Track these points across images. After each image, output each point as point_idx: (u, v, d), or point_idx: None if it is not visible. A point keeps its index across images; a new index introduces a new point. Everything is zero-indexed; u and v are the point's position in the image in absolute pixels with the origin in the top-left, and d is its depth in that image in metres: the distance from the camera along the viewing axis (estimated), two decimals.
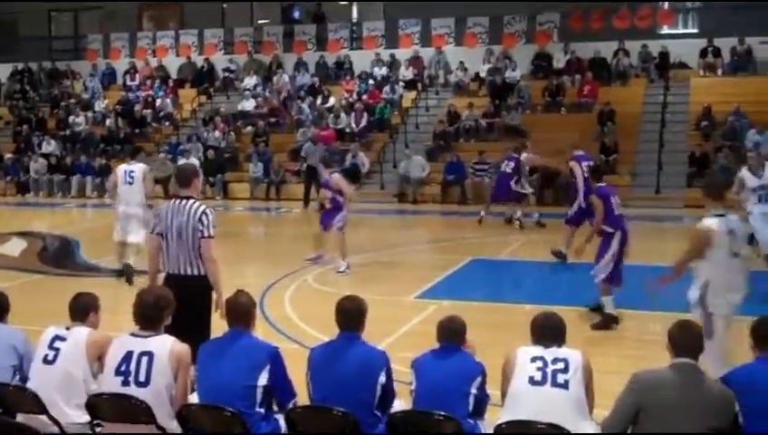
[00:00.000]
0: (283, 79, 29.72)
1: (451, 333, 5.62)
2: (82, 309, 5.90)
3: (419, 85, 28.78)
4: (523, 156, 18.41)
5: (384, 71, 29.29)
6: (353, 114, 26.91)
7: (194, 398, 5.54)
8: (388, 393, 5.49)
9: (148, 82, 31.34)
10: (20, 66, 33.86)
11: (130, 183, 12.91)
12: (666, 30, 28.82)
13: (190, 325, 6.56)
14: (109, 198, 13.88)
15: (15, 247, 16.18)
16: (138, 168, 13.03)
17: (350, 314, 5.60)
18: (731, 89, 25.30)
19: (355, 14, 33.72)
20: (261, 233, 21.21)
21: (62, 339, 5.68)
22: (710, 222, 6.94)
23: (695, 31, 28.91)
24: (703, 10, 29.15)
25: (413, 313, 10.55)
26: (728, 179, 10.44)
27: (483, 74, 28.06)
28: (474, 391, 5.40)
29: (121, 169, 13.21)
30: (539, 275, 13.82)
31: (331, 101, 28.11)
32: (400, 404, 5.60)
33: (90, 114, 30.29)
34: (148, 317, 5.48)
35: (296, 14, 33.44)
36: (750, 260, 6.86)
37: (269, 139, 26.85)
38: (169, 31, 33.75)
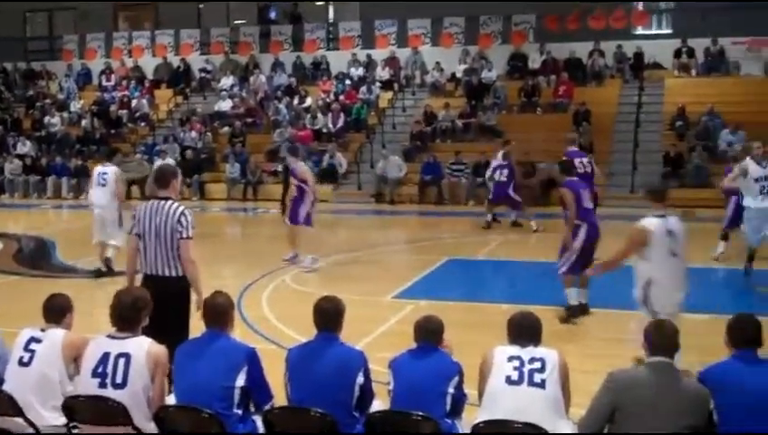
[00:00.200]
0: (259, 79, 29.68)
1: (428, 332, 5.64)
2: (58, 310, 5.86)
3: (396, 85, 28.83)
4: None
5: (361, 71, 29.32)
6: (330, 115, 26.90)
7: (171, 399, 5.53)
8: (367, 394, 5.50)
9: (124, 83, 31.19)
10: None
11: (103, 185, 13.08)
12: (640, 31, 29.04)
13: (168, 326, 6.55)
14: (88, 199, 13.95)
15: None
16: (110, 170, 13.19)
17: (328, 315, 5.61)
18: (705, 89, 25.53)
19: (331, 15, 33.72)
20: (238, 233, 21.17)
21: (38, 341, 5.63)
22: (648, 222, 7.13)
23: (669, 32, 29.16)
24: (677, 11, 29.41)
25: (390, 313, 10.56)
26: (668, 185, 10.23)
27: (459, 75, 28.14)
28: (451, 390, 5.41)
29: (96, 170, 13.38)
30: (516, 274, 13.88)
31: (308, 101, 28.10)
32: (378, 404, 5.60)
33: (65, 115, 30.14)
34: (125, 318, 5.46)
35: (272, 15, 33.39)
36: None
37: (246, 139, 26.81)
38: (145, 31, 33.65)
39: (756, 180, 12.03)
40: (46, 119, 29.67)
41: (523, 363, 5.23)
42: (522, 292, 12.08)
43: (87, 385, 5.32)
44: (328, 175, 24.54)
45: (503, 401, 5.15)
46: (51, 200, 25.98)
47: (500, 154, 18.47)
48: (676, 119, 24.40)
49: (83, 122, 29.52)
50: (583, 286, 10.31)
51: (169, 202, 7.00)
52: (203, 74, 31.18)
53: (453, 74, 28.41)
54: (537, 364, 5.22)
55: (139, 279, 7.04)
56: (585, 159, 13.25)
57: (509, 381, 5.20)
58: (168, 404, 5.40)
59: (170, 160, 24.74)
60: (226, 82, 30.03)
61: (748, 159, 12.31)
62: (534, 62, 28.00)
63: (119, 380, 5.24)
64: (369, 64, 29.54)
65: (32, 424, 5.38)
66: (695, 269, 13.39)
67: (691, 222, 17.33)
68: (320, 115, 26.97)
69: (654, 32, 29.48)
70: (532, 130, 24.27)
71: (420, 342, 5.63)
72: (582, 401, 5.22)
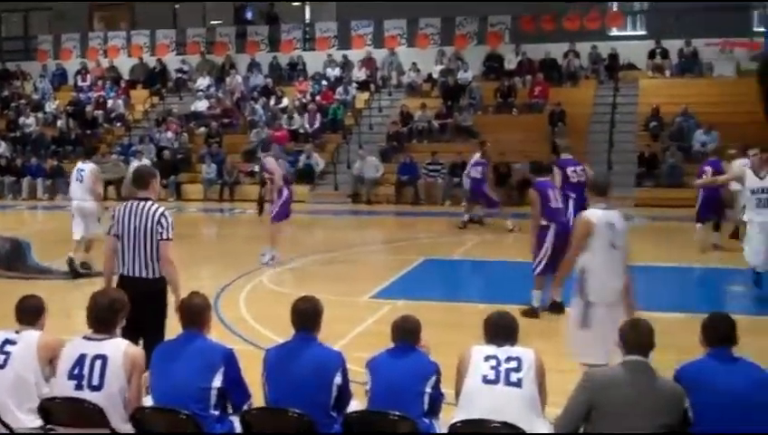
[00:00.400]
0: (235, 80, 29.61)
1: (405, 332, 5.65)
2: (32, 312, 5.80)
3: (372, 86, 28.86)
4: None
5: (337, 71, 29.33)
6: (307, 115, 26.89)
7: (148, 401, 5.52)
8: (344, 394, 5.50)
9: (100, 83, 31.04)
10: None
11: (80, 181, 13.57)
12: (615, 32, 29.24)
13: (145, 328, 6.55)
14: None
15: None
16: (88, 167, 13.68)
17: (306, 315, 5.61)
18: (678, 90, 25.76)
19: (308, 15, 33.69)
20: (215, 234, 21.09)
21: (13, 343, 5.58)
22: (590, 213, 7.25)
23: (643, 33, 29.40)
24: (651, 12, 29.66)
25: (367, 313, 10.57)
26: (609, 180, 9.97)
27: (435, 75, 28.22)
28: (428, 390, 5.43)
29: (75, 167, 13.96)
30: (492, 274, 13.94)
31: (285, 101, 28.08)
32: (356, 404, 5.60)
33: (40, 115, 29.92)
34: (101, 320, 5.44)
35: (249, 15, 33.32)
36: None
37: (222, 139, 26.75)
38: (121, 31, 33.50)
39: (753, 192, 10.85)
40: (21, 119, 29.45)
41: (499, 363, 5.25)
42: (498, 292, 12.11)
43: (63, 387, 5.29)
44: (305, 175, 24.53)
45: (479, 401, 5.18)
46: (26, 201, 25.79)
47: (477, 154, 18.53)
48: (651, 119, 24.60)
49: (59, 123, 29.37)
50: (558, 285, 10.39)
51: (149, 203, 6.99)
52: (179, 75, 31.08)
53: (429, 75, 28.48)
54: (513, 363, 5.25)
55: (115, 280, 7.01)
56: (579, 168, 12.76)
57: (486, 380, 5.22)
58: (144, 406, 5.39)
59: (146, 161, 24.58)
60: (203, 82, 29.94)
61: (741, 163, 11.64)
62: (510, 62, 28.12)
63: (95, 381, 5.22)
64: (346, 65, 29.56)
65: (7, 427, 5.34)
66: (671, 268, 13.69)
67: (667, 222, 17.69)
68: (296, 116, 26.96)
69: (628, 33, 29.71)
70: (507, 130, 24.38)
71: (397, 341, 5.64)
72: (559, 399, 5.25)
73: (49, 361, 5.56)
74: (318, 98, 27.90)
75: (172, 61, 31.58)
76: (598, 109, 26.13)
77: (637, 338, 5.06)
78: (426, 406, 5.40)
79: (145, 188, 7.16)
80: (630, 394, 4.86)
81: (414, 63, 28.60)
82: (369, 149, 25.07)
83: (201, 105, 28.72)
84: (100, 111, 29.35)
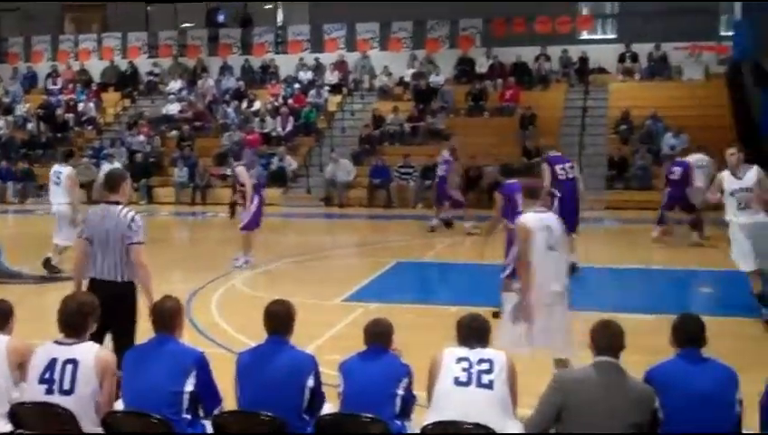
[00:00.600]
0: (207, 83, 29.52)
1: (377, 335, 5.67)
2: (1, 316, 5.78)
3: (345, 89, 28.88)
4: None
5: (309, 75, 29.32)
6: (279, 118, 26.85)
7: (119, 405, 5.50)
8: (317, 397, 5.50)
9: (71, 86, 30.82)
10: None
11: (57, 183, 13.63)
12: (585, 36, 29.46)
13: (115, 331, 6.53)
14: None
15: None
16: (65, 169, 13.72)
17: (279, 318, 5.60)
18: (648, 93, 25.99)
19: (280, 18, 33.65)
20: (187, 238, 21.03)
21: None
22: (526, 218, 7.40)
23: (613, 36, 29.64)
24: (621, 16, 29.92)
25: (340, 316, 10.56)
26: (541, 184, 9.66)
27: (407, 79, 28.29)
28: (400, 392, 5.44)
29: (52, 169, 14.03)
30: (463, 276, 13.98)
31: (257, 104, 28.01)
32: (328, 407, 5.61)
33: (10, 118, 29.68)
34: (71, 324, 5.41)
35: (221, 18, 33.21)
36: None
37: (194, 143, 26.65)
38: (92, 34, 33.27)
39: (732, 193, 10.17)
40: None
41: (471, 365, 5.28)
42: (469, 294, 12.14)
43: (34, 392, 5.26)
44: (277, 178, 24.50)
45: (451, 402, 5.20)
46: None
47: (446, 151, 18.60)
48: (621, 122, 24.80)
49: (29, 126, 29.18)
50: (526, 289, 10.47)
51: (119, 207, 6.98)
52: (150, 77, 30.93)
53: (401, 78, 28.55)
54: (485, 365, 5.28)
55: (85, 284, 6.99)
56: (567, 165, 12.80)
57: (457, 382, 5.25)
58: (116, 410, 5.37)
59: (118, 164, 24.39)
60: (174, 85, 29.84)
61: (725, 171, 10.48)
62: (481, 66, 28.25)
63: (66, 386, 5.20)
64: (318, 68, 29.56)
65: None
66: (641, 270, 13.81)
67: (637, 224, 17.85)
68: (269, 119, 26.92)
69: (598, 37, 29.95)
70: (479, 133, 24.47)
71: (370, 344, 5.66)
72: (530, 401, 5.29)
73: (18, 365, 5.53)
74: (290, 101, 27.88)
75: (144, 63, 31.43)
76: (568, 112, 26.30)
77: (607, 339, 5.09)
78: (398, 408, 5.42)
79: (116, 191, 7.14)
80: (601, 395, 4.90)
81: (386, 67, 28.66)
82: (341, 153, 25.07)
83: (173, 108, 28.60)
84: (71, 115, 29.17)
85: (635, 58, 27.14)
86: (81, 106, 29.52)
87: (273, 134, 26.52)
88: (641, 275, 13.67)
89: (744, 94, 25.21)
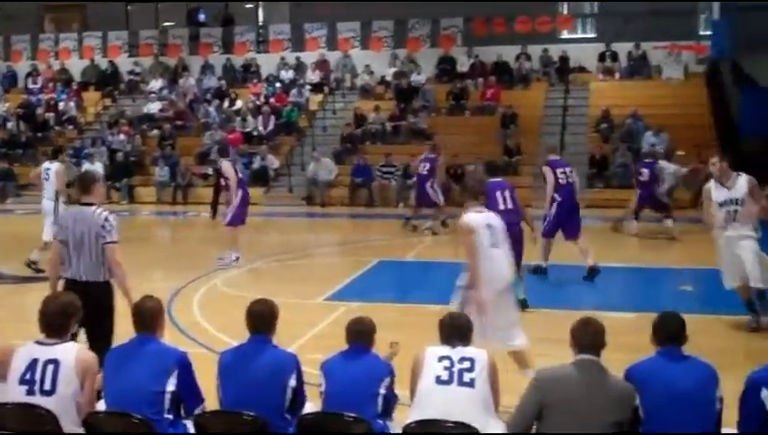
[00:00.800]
0: (189, 82, 29.44)
1: (359, 334, 5.68)
2: None
3: (326, 88, 28.87)
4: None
5: (291, 74, 29.30)
6: (261, 117, 26.80)
7: (101, 405, 5.49)
8: (299, 396, 5.50)
9: (51, 85, 30.66)
10: None
11: (46, 179, 13.83)
12: (565, 35, 29.58)
13: (91, 332, 6.52)
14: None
15: None
16: (53, 166, 13.93)
17: (262, 318, 5.59)
18: (628, 92, 26.12)
19: (261, 17, 33.60)
20: (168, 237, 20.96)
21: None
22: (467, 217, 7.47)
23: (593, 36, 29.76)
24: (600, 16, 30.05)
25: (322, 315, 10.57)
26: (484, 183, 9.55)
27: (388, 78, 28.31)
28: (382, 391, 5.45)
29: (43, 165, 14.30)
30: (445, 275, 13.94)
31: (238, 103, 27.97)
32: (310, 406, 5.61)
33: None
34: (54, 325, 5.39)
35: (201, 17, 33.13)
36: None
37: (175, 142, 26.56)
38: (72, 33, 33.10)
39: (721, 205, 9.52)
40: None
41: (452, 363, 5.30)
42: (452, 292, 12.12)
43: (15, 392, 5.23)
44: (259, 177, 24.46)
45: (433, 401, 5.22)
46: None
47: (428, 150, 18.64)
48: (601, 121, 24.91)
49: (9, 125, 28.99)
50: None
51: (93, 208, 7.01)
52: (131, 77, 30.83)
53: (382, 77, 28.57)
54: (467, 364, 5.29)
55: (60, 285, 7.02)
56: (568, 169, 12.79)
57: (439, 380, 5.27)
58: (97, 410, 5.35)
59: (99, 164, 24.40)
60: (155, 84, 29.74)
61: (711, 180, 9.83)
62: (462, 65, 28.30)
63: (47, 386, 5.18)
64: (299, 67, 29.54)
65: None
66: (622, 268, 13.88)
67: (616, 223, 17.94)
68: (250, 118, 26.88)
69: (579, 36, 30.07)
70: (460, 132, 24.55)
71: (352, 343, 5.67)
72: (511, 399, 5.30)
73: None
74: (272, 100, 27.84)
75: (124, 63, 31.32)
76: (549, 111, 26.39)
77: (588, 337, 5.11)
78: (380, 407, 5.43)
79: (88, 193, 7.17)
80: (582, 393, 4.92)
81: (367, 66, 28.67)
82: (322, 152, 25.05)
83: (154, 107, 28.50)
84: (52, 114, 29.02)
85: (615, 57, 27.27)
86: (61, 105, 29.37)
87: (255, 133, 26.48)
88: (622, 274, 13.74)
89: (722, 93, 25.39)
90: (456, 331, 5.50)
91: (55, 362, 5.23)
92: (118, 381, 5.36)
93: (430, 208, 18.33)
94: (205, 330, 9.98)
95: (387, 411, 5.53)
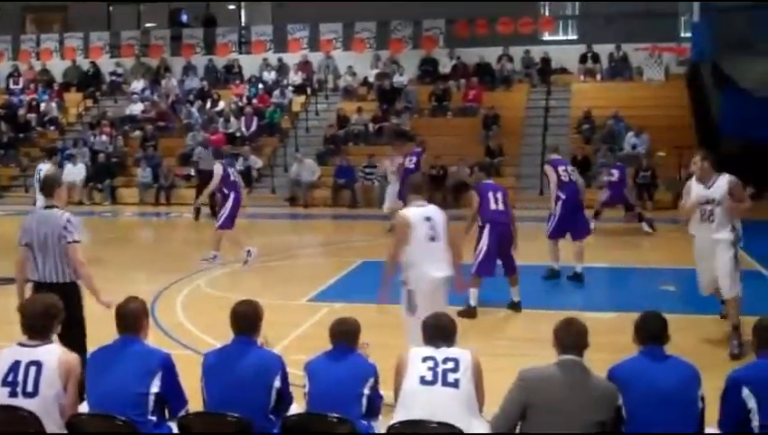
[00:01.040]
0: (171, 83, 29.35)
1: (343, 334, 5.69)
2: None
3: (309, 89, 28.84)
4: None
5: (273, 75, 29.27)
6: (243, 118, 26.76)
7: (84, 407, 5.47)
8: (284, 397, 5.50)
9: (32, 86, 30.49)
10: None
11: (38, 180, 13.60)
12: (547, 36, 29.70)
13: (64, 333, 6.51)
14: None
15: None
16: (44, 167, 14.13)
17: (246, 319, 5.59)
18: (609, 93, 26.25)
19: (243, 18, 33.55)
20: (151, 238, 20.87)
21: None
22: (406, 211, 7.64)
23: (574, 37, 29.92)
24: (582, 18, 30.19)
25: (305, 316, 10.56)
26: (425, 180, 9.54)
27: (371, 79, 28.33)
28: (367, 391, 5.46)
29: (37, 166, 14.69)
30: None
31: (221, 105, 27.90)
32: (295, 407, 5.61)
33: None
34: (36, 326, 5.38)
35: (184, 18, 33.05)
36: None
37: (158, 143, 26.44)
38: (53, 34, 32.94)
39: (699, 204, 9.26)
40: None
41: (437, 364, 5.31)
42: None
43: None
44: (242, 178, 24.33)
45: (418, 402, 5.23)
46: None
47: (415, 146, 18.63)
48: (583, 122, 25.00)
49: None
50: (513, 285, 10.71)
51: (55, 210, 7.11)
52: (113, 78, 30.70)
53: (365, 79, 28.58)
54: (451, 364, 5.30)
55: (28, 288, 7.11)
56: (570, 167, 12.95)
57: (423, 381, 5.27)
58: (80, 412, 5.34)
59: (81, 165, 24.37)
60: (137, 85, 29.63)
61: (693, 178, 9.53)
62: (445, 66, 28.38)
63: (30, 388, 5.16)
64: (282, 68, 29.52)
65: None
66: (604, 268, 13.94)
67: (600, 223, 18.01)
68: (233, 119, 26.81)
69: (560, 38, 30.21)
70: (442, 133, 24.57)
71: (336, 344, 5.68)
72: (495, 399, 5.31)
73: None
74: (254, 101, 27.81)
75: (106, 63, 31.20)
76: (531, 112, 26.47)
77: (571, 338, 5.13)
78: (364, 408, 5.44)
79: (51, 196, 7.26)
80: (565, 393, 4.94)
81: (350, 67, 28.68)
82: (305, 153, 25.05)
83: (136, 108, 28.39)
84: (34, 115, 28.84)
85: (596, 59, 27.40)
86: (43, 106, 29.22)
87: (238, 134, 26.41)
88: (604, 274, 13.80)
89: (703, 95, 25.55)
90: (439, 331, 5.51)
91: (38, 363, 5.22)
92: (101, 383, 5.35)
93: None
94: (188, 331, 9.95)
95: (371, 412, 5.53)
